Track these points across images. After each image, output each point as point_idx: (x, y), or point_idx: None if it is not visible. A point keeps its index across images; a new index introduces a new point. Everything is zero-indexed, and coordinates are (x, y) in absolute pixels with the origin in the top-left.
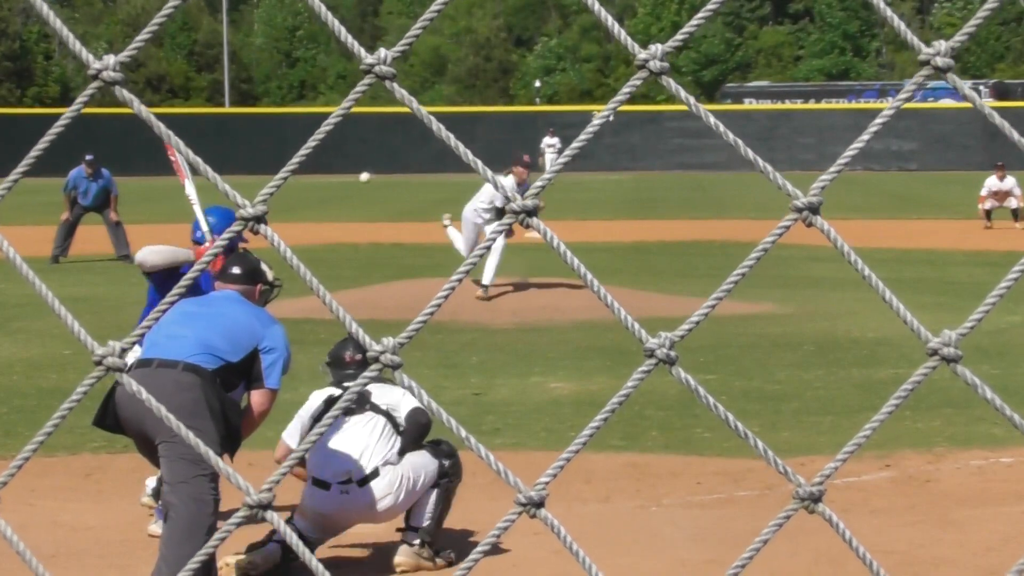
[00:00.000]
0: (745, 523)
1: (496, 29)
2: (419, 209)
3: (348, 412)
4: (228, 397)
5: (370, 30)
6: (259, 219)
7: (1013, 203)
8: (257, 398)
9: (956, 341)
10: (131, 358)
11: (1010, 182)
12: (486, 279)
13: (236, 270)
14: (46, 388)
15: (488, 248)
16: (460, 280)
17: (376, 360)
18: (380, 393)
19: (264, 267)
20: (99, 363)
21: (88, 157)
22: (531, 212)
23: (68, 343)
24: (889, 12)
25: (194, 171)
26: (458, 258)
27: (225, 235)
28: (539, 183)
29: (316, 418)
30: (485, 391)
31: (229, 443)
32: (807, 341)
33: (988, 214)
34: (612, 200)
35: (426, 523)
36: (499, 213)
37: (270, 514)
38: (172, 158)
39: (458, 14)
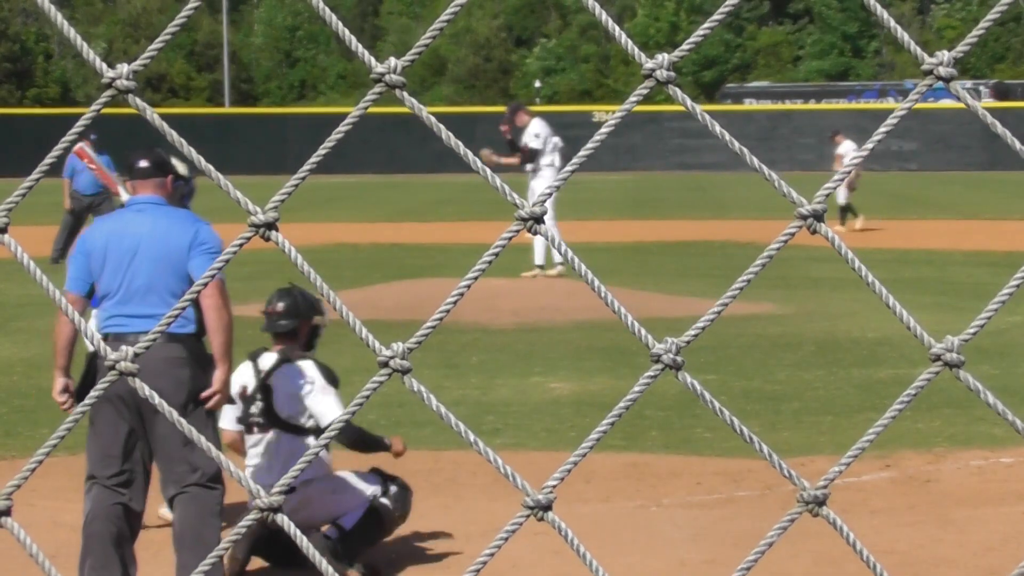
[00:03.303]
0: (745, 523)
1: (496, 29)
2: (419, 209)
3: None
4: (209, 358)
5: (370, 30)
6: (270, 226)
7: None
8: (205, 300)
9: (959, 346)
10: (92, 324)
11: (845, 147)
12: (541, 260)
13: (144, 163)
14: (46, 388)
15: (496, 255)
16: (469, 286)
17: (385, 365)
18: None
19: (175, 162)
20: (112, 368)
21: (92, 137)
22: (539, 219)
23: None
24: (893, 23)
25: (193, 176)
26: (462, 261)
27: (235, 243)
28: (547, 190)
29: (239, 419)
30: (485, 390)
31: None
32: (807, 341)
33: (843, 215)
34: (612, 200)
35: (349, 528)
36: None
37: (280, 517)
38: (91, 167)
39: (457, 14)
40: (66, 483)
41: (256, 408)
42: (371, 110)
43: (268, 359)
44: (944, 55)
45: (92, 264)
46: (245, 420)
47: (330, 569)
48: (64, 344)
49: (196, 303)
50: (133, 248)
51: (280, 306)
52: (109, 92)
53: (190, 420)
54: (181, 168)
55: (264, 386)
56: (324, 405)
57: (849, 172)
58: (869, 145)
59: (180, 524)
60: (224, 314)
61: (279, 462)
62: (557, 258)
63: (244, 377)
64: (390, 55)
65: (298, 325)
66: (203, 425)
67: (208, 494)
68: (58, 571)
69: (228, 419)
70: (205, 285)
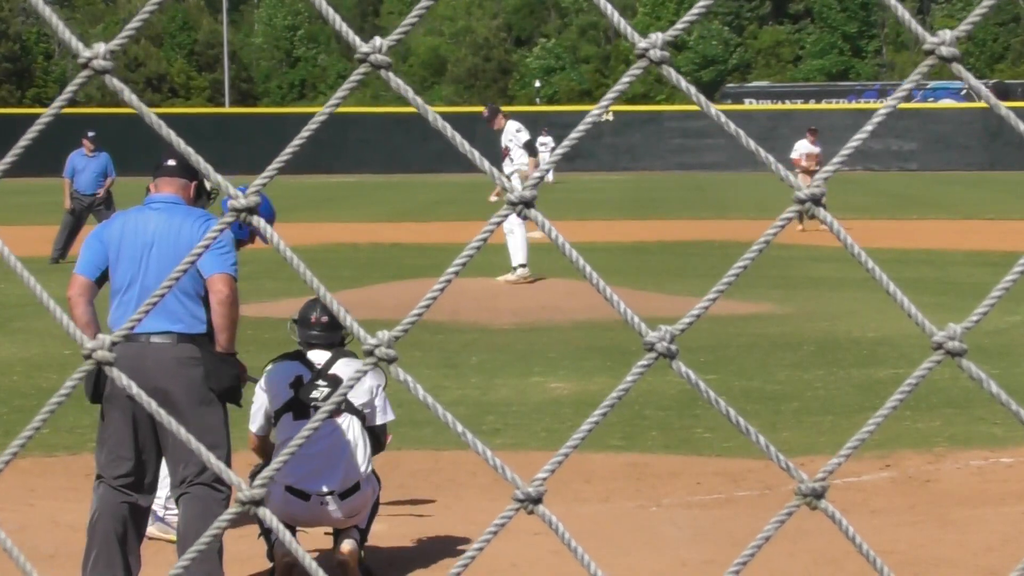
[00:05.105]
0: (745, 523)
1: (495, 29)
2: (419, 209)
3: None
4: (223, 356)
5: (370, 30)
6: (251, 210)
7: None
8: (216, 284)
9: (961, 334)
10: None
11: (817, 146)
12: (517, 260)
13: (171, 161)
14: (46, 388)
15: (484, 240)
16: (455, 274)
17: (371, 354)
18: (351, 385)
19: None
20: (88, 356)
21: (90, 134)
22: (529, 203)
23: (68, 343)
24: (894, 1)
25: (188, 174)
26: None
27: (218, 225)
28: (536, 175)
29: (288, 406)
30: (484, 390)
31: (233, 399)
32: (807, 341)
33: (801, 217)
34: (612, 200)
35: (364, 526)
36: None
37: (262, 510)
38: None
39: (457, 14)
40: (65, 483)
41: (320, 393)
42: (371, 110)
43: (319, 354)
44: (946, 34)
45: (108, 254)
46: (302, 405)
47: (314, 565)
48: (85, 325)
49: (207, 302)
50: (147, 245)
51: (325, 318)
52: (86, 72)
53: (204, 420)
54: (208, 185)
55: (329, 375)
56: (386, 408)
57: (843, 161)
58: (868, 128)
59: (184, 524)
60: (233, 310)
61: (345, 448)
62: (516, 261)
63: (293, 370)
64: (389, 54)
65: (339, 338)
66: (219, 425)
67: (213, 495)
68: (53, 570)
69: (257, 423)
70: (185, 271)
